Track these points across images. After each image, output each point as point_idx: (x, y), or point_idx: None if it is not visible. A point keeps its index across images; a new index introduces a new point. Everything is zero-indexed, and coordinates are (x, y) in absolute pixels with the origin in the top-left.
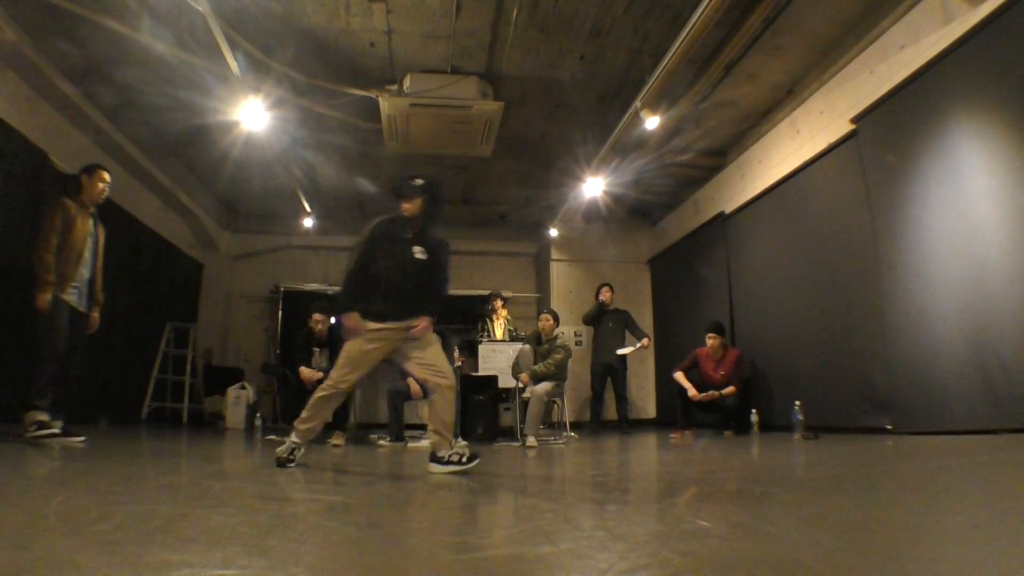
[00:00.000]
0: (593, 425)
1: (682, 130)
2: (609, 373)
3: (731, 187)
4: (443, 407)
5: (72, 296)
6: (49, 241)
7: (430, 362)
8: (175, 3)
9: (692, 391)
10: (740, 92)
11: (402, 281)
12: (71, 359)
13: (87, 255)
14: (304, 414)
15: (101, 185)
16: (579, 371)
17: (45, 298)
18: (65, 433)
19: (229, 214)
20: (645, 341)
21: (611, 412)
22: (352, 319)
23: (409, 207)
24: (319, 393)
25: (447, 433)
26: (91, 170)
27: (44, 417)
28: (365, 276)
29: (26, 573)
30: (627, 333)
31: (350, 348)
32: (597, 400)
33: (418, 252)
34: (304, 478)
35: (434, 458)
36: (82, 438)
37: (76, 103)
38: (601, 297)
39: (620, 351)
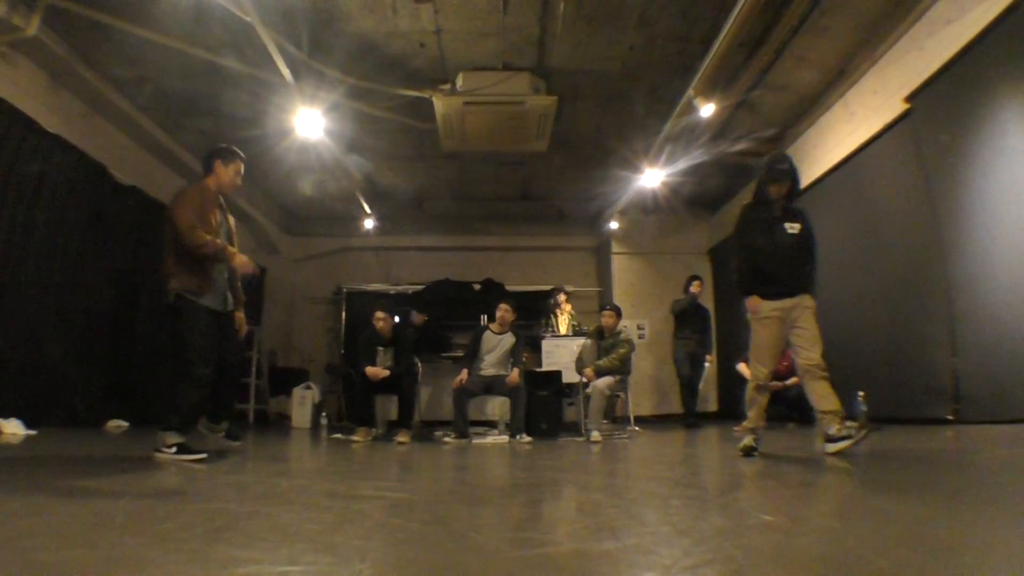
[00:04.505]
0: (689, 418)
1: (736, 117)
2: (694, 363)
3: None
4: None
5: (214, 300)
6: (189, 225)
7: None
8: (225, 15)
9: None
10: (791, 75)
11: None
12: (226, 366)
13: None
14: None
15: (236, 177)
16: (642, 364)
17: (242, 259)
18: (229, 436)
19: (289, 218)
20: (709, 359)
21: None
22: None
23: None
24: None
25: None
26: (228, 156)
27: (181, 439)
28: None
29: (94, 571)
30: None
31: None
32: (691, 390)
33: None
34: (370, 476)
35: (828, 437)
36: (240, 442)
37: (131, 116)
38: (692, 290)
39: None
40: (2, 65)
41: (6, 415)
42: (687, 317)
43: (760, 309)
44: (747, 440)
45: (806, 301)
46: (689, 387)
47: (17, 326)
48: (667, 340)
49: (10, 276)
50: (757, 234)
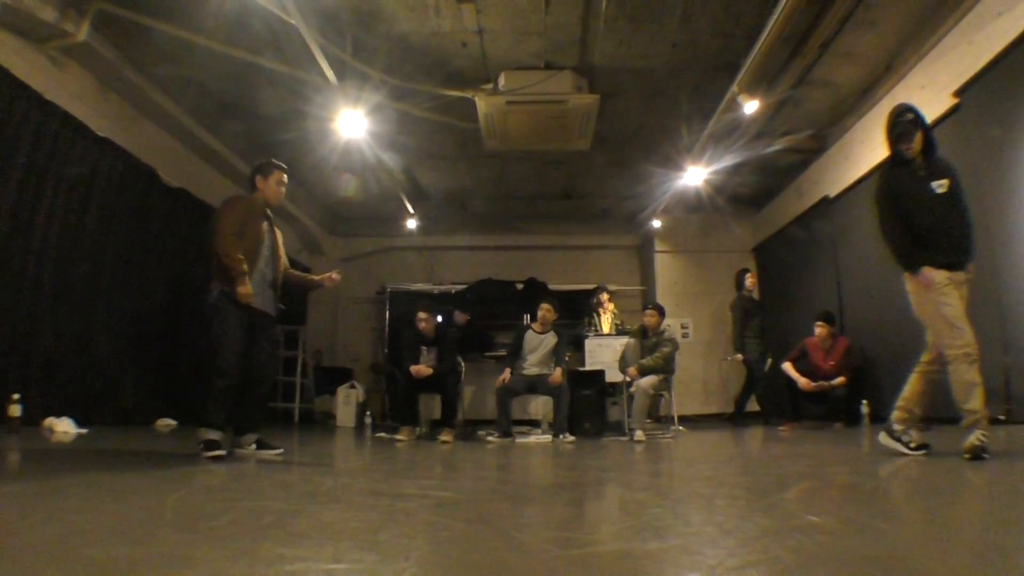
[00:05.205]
0: (773, 418)
1: (781, 114)
2: (764, 361)
3: (834, 170)
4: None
5: (254, 298)
6: (228, 233)
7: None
8: (268, 17)
9: (803, 381)
10: (837, 71)
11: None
12: (259, 368)
13: (266, 252)
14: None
15: (279, 187)
16: (686, 363)
17: (246, 289)
18: (261, 446)
19: (333, 218)
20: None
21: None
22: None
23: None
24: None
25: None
26: (267, 169)
27: (214, 435)
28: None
29: (144, 567)
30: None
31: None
32: (765, 387)
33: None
34: (414, 474)
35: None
36: (280, 450)
37: (177, 119)
38: (748, 285)
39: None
40: (53, 70)
41: (58, 414)
42: (750, 314)
43: (936, 278)
44: (975, 436)
45: (970, 273)
46: (765, 386)
47: (69, 327)
48: (717, 340)
49: (62, 278)
50: (904, 199)
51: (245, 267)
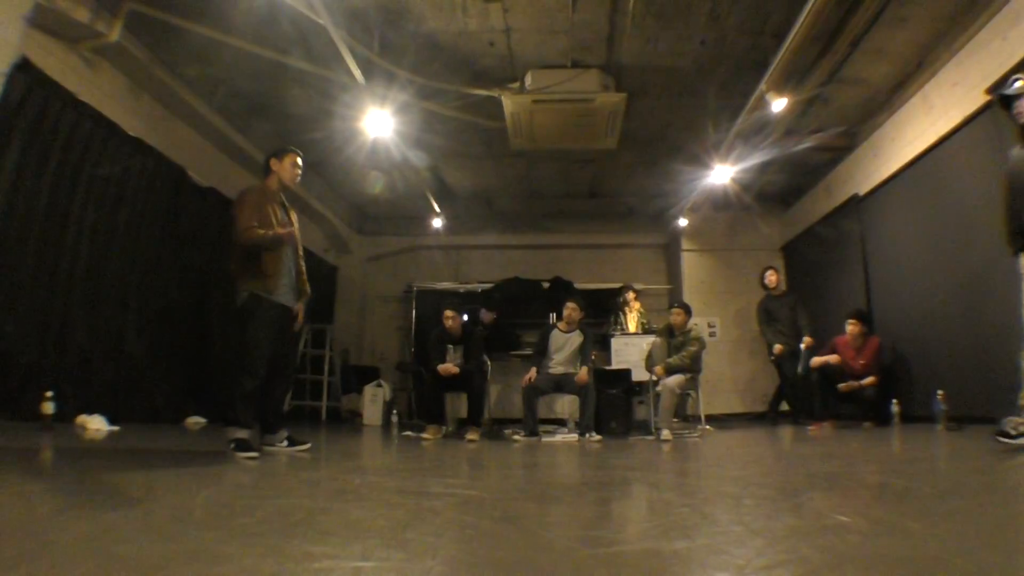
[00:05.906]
0: (802, 417)
1: (810, 111)
2: (796, 358)
3: (864, 168)
4: None
5: (286, 296)
6: (249, 220)
7: None
8: (297, 17)
9: (833, 358)
10: (868, 68)
11: None
12: (284, 362)
13: (287, 247)
14: None
15: (294, 169)
16: (713, 363)
17: (283, 229)
18: (291, 443)
19: (360, 217)
20: (806, 341)
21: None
22: None
23: None
24: None
25: None
26: (281, 152)
27: (244, 435)
28: None
29: (173, 564)
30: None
31: None
32: (792, 387)
33: None
34: (440, 473)
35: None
36: (308, 445)
37: (206, 118)
38: (768, 283)
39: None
40: (86, 71)
41: (90, 411)
42: (772, 314)
43: None
44: (1010, 422)
45: None
46: (792, 385)
47: (101, 325)
48: (744, 339)
49: (94, 276)
50: (1016, 173)
51: (269, 232)
